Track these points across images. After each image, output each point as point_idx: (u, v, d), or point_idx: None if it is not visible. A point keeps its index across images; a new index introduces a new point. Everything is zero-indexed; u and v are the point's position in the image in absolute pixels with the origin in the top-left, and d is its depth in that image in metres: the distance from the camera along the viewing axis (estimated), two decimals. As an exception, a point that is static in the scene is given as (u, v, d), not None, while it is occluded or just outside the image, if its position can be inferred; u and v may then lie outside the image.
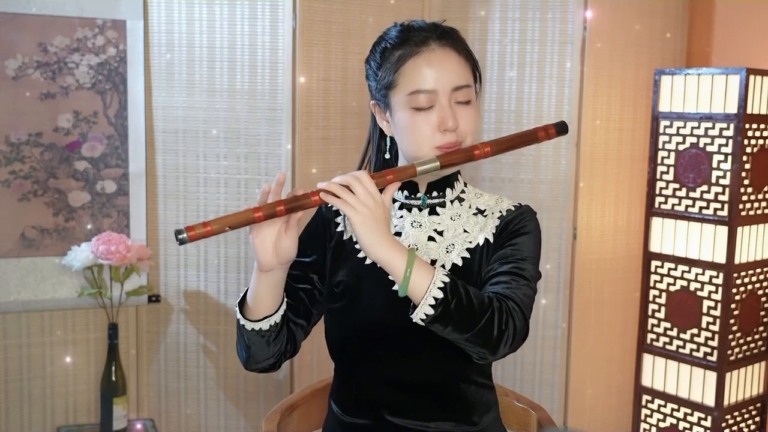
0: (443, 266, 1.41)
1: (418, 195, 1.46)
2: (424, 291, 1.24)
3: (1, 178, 2.42)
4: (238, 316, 1.39)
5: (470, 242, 1.43)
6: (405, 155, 1.42)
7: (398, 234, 1.46)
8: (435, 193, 1.46)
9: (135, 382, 2.62)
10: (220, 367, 2.63)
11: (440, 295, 1.23)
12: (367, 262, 1.44)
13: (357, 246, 1.47)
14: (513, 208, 1.46)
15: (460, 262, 1.42)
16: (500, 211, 1.46)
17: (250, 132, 2.55)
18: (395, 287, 1.41)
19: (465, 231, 1.45)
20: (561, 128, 1.42)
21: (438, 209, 1.47)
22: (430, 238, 1.44)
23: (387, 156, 1.46)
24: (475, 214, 1.47)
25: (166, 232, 2.59)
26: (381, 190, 1.30)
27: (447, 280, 1.25)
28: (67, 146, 2.48)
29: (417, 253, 1.42)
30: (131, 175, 2.55)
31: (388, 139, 1.45)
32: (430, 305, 1.23)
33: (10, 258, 2.45)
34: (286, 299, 1.41)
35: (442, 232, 1.45)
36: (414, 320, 1.25)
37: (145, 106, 2.54)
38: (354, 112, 2.62)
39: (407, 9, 2.64)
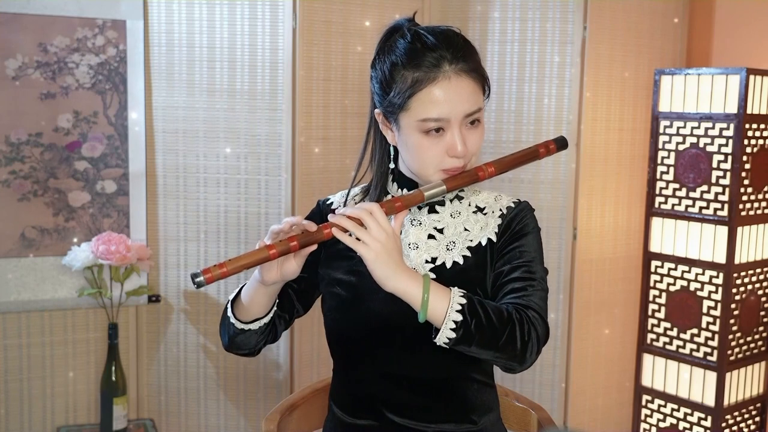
0: (444, 264, 1.42)
1: None
2: (443, 315, 1.26)
3: (1, 178, 2.42)
4: (229, 314, 1.44)
5: (471, 241, 1.43)
6: (408, 168, 1.44)
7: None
8: None
9: (135, 382, 2.62)
10: (220, 367, 2.63)
11: (459, 318, 1.26)
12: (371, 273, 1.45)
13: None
14: (513, 205, 1.46)
15: (461, 261, 1.42)
16: (500, 209, 1.46)
17: (250, 132, 2.55)
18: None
19: (466, 229, 1.45)
20: (561, 144, 1.44)
21: (437, 207, 1.47)
22: (430, 236, 1.44)
23: (392, 165, 1.47)
24: (474, 212, 1.47)
25: (166, 232, 2.59)
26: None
27: (464, 301, 1.27)
28: (67, 146, 2.48)
29: (417, 251, 1.43)
30: (131, 175, 2.55)
31: (391, 148, 1.46)
32: (450, 329, 1.25)
33: (10, 258, 2.45)
34: (277, 301, 1.45)
35: (442, 229, 1.45)
36: (438, 344, 1.28)
37: (145, 106, 2.54)
38: (354, 112, 2.62)
39: (407, 9, 2.64)
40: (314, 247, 1.33)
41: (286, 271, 1.35)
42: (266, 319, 1.43)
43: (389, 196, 1.46)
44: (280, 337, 1.52)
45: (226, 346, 1.49)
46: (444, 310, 1.26)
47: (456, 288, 1.29)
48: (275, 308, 1.45)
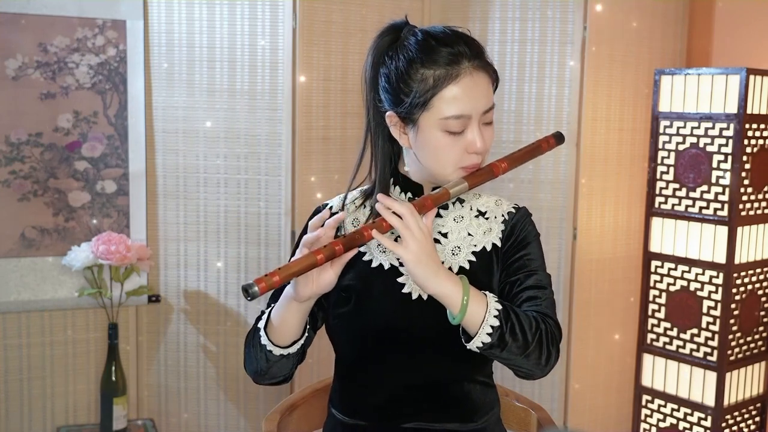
0: (451, 269, 1.42)
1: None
2: (480, 319, 1.28)
3: (1, 178, 2.42)
4: (265, 341, 1.38)
5: (475, 246, 1.44)
6: (425, 168, 1.41)
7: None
8: None
9: (135, 382, 2.62)
10: (220, 367, 2.63)
11: (496, 323, 1.28)
12: (374, 265, 1.44)
13: (362, 249, 1.46)
14: (513, 210, 1.48)
15: (467, 266, 1.42)
16: (502, 215, 1.47)
17: (250, 132, 2.55)
18: (405, 290, 1.41)
19: (469, 234, 1.45)
20: (559, 138, 1.48)
21: (441, 211, 1.47)
22: (435, 241, 1.44)
23: (406, 169, 1.44)
24: (476, 216, 1.47)
25: (166, 232, 2.59)
26: None
27: (500, 307, 1.30)
28: (67, 146, 2.48)
29: None
30: (131, 175, 2.55)
31: (405, 150, 1.43)
32: (487, 333, 1.27)
33: (10, 258, 2.45)
34: (308, 319, 1.41)
35: (447, 234, 1.45)
36: (469, 347, 1.30)
37: (145, 106, 2.54)
38: (354, 113, 2.62)
39: (407, 9, 2.64)
40: (355, 251, 1.32)
41: (323, 282, 1.32)
42: (303, 340, 1.39)
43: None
44: (306, 354, 1.48)
45: (257, 376, 1.43)
46: (482, 314, 1.28)
47: (489, 293, 1.31)
48: (308, 326, 1.41)
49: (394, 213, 1.28)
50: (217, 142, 2.56)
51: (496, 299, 1.30)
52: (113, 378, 2.47)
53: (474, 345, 1.28)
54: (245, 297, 1.20)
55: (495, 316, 1.28)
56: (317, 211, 1.53)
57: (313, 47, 2.53)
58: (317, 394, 1.70)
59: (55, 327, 2.52)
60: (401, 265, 1.42)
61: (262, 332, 1.39)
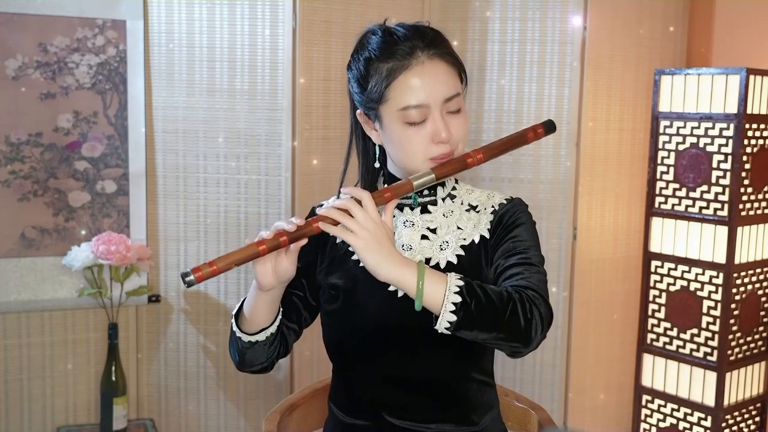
0: (438, 265, 1.41)
1: (409, 194, 1.46)
2: (441, 299, 1.23)
3: (1, 178, 2.42)
4: (234, 328, 1.41)
5: (464, 239, 1.43)
6: (396, 164, 1.42)
7: None
8: (426, 192, 1.46)
9: (135, 382, 2.62)
10: (220, 367, 2.63)
11: (458, 299, 1.22)
12: (362, 264, 1.44)
13: (351, 248, 1.46)
14: (505, 202, 1.46)
15: (455, 260, 1.41)
16: (492, 206, 1.45)
17: (250, 132, 2.55)
18: (392, 288, 1.41)
19: (458, 228, 1.44)
20: (549, 127, 1.42)
21: (429, 207, 1.46)
22: (423, 237, 1.44)
23: (377, 165, 1.46)
24: (467, 210, 1.46)
25: (166, 232, 2.59)
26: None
27: (461, 283, 1.24)
28: (67, 146, 2.48)
29: (411, 253, 1.42)
30: (131, 175, 2.55)
31: (377, 147, 1.45)
32: (450, 311, 1.22)
33: (10, 258, 2.45)
34: (281, 309, 1.42)
35: (435, 229, 1.45)
36: (439, 330, 1.24)
37: (145, 106, 2.54)
38: (354, 112, 2.62)
39: (407, 9, 2.64)
40: (305, 241, 1.31)
41: (281, 270, 1.33)
42: (273, 329, 1.40)
43: None
44: (292, 348, 1.51)
45: (238, 364, 1.46)
46: (441, 294, 1.23)
47: (453, 273, 1.27)
48: (281, 317, 1.42)
49: (338, 208, 1.27)
50: (217, 142, 2.56)
51: (459, 277, 1.25)
52: (113, 378, 2.47)
53: (441, 327, 1.22)
54: (184, 284, 1.23)
55: (456, 293, 1.22)
56: (313, 210, 1.54)
57: (313, 47, 2.53)
58: (317, 394, 1.70)
59: (55, 327, 2.52)
60: None
61: (232, 320, 1.43)
